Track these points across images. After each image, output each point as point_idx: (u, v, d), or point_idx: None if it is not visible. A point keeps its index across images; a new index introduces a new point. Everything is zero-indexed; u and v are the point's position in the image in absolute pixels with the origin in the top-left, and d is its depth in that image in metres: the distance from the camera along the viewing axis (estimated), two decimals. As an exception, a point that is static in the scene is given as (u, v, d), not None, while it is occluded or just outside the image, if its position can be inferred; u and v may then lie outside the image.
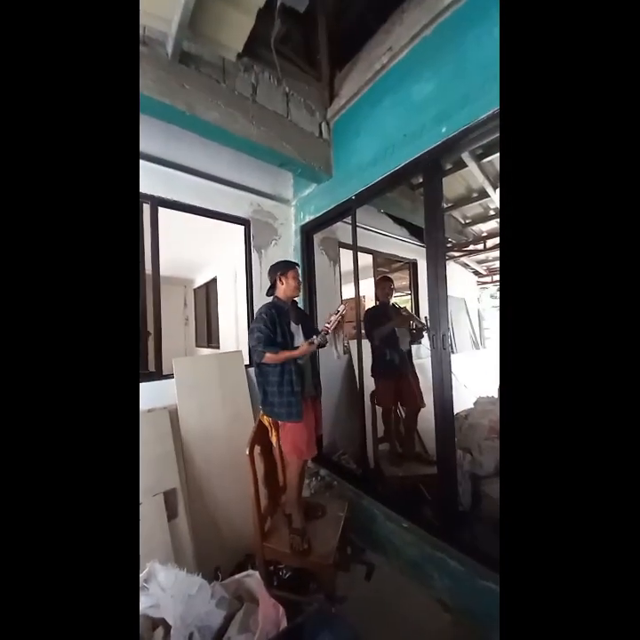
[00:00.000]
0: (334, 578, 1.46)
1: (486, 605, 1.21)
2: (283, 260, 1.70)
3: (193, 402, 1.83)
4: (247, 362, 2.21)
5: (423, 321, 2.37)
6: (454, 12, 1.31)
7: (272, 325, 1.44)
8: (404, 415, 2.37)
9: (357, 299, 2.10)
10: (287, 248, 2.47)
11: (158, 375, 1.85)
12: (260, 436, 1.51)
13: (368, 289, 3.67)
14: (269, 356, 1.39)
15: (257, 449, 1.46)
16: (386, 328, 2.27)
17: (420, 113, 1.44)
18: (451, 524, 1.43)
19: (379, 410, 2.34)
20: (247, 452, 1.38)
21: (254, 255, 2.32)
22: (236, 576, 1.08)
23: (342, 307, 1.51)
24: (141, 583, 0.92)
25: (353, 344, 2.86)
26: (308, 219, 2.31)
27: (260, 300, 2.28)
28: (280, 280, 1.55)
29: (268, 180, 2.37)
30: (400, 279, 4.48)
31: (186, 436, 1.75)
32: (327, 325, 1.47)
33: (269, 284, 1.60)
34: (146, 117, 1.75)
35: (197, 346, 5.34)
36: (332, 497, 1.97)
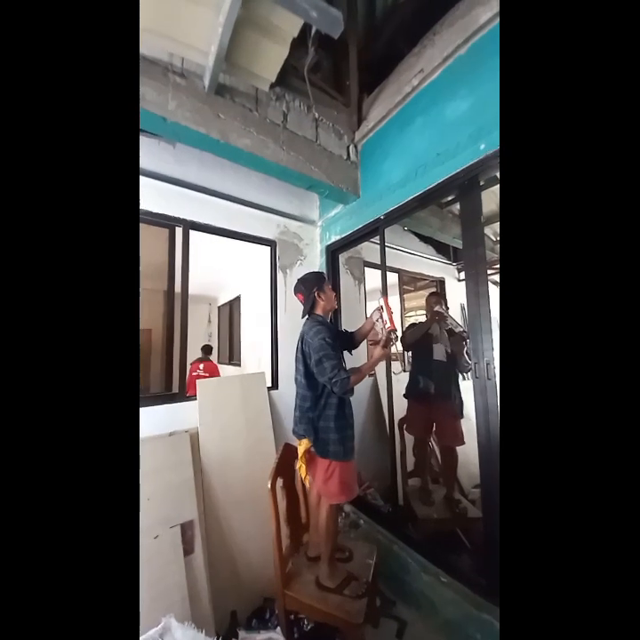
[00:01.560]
0: (363, 635, 1.28)
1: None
2: (312, 272, 1.52)
3: (215, 425, 1.77)
4: (269, 384, 2.15)
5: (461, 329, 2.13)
6: (488, 33, 1.28)
7: (334, 348, 1.26)
8: (437, 450, 2.16)
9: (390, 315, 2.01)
10: (312, 268, 2.45)
11: (181, 396, 1.83)
12: (284, 466, 1.41)
13: (393, 307, 3.58)
14: (354, 380, 1.21)
15: (279, 481, 1.35)
16: (418, 330, 2.12)
17: (455, 131, 1.40)
18: (495, 578, 1.23)
19: (409, 440, 2.16)
20: (269, 486, 1.27)
21: (279, 275, 2.31)
22: (259, 638, 0.95)
23: (381, 300, 1.40)
24: (156, 637, 0.83)
25: (381, 365, 2.74)
26: (333, 239, 2.30)
27: (285, 320, 2.26)
28: (319, 296, 1.40)
29: (295, 202, 2.41)
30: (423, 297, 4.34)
31: (206, 462, 1.68)
32: (387, 325, 1.35)
33: (305, 303, 1.42)
34: (181, 146, 1.84)
35: (219, 362, 5.39)
36: (359, 537, 1.79)
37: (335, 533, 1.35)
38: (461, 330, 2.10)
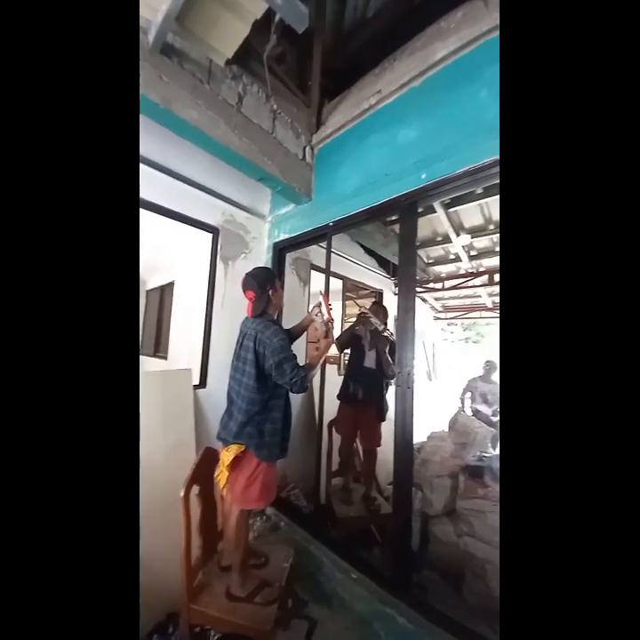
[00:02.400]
0: (273, 641, 1.27)
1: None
2: (263, 268, 1.44)
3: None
4: (196, 381, 1.99)
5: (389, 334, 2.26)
6: (442, 69, 1.41)
7: (291, 349, 1.24)
8: (361, 451, 2.28)
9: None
10: (257, 263, 2.36)
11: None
12: (202, 472, 1.31)
13: (335, 312, 3.70)
14: (309, 377, 1.21)
15: (195, 488, 1.25)
16: (347, 331, 2.21)
17: (403, 157, 1.50)
18: (401, 574, 1.35)
19: (336, 441, 2.24)
20: (182, 494, 1.17)
21: (220, 265, 2.17)
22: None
23: (321, 297, 1.45)
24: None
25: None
26: (282, 237, 2.26)
27: (222, 314, 2.12)
28: (272, 295, 1.33)
29: (246, 191, 2.29)
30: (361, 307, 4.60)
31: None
32: (325, 317, 1.39)
33: (257, 302, 1.31)
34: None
35: (143, 354, 4.80)
36: (278, 541, 1.78)
37: (246, 540, 1.31)
38: (388, 333, 2.24)
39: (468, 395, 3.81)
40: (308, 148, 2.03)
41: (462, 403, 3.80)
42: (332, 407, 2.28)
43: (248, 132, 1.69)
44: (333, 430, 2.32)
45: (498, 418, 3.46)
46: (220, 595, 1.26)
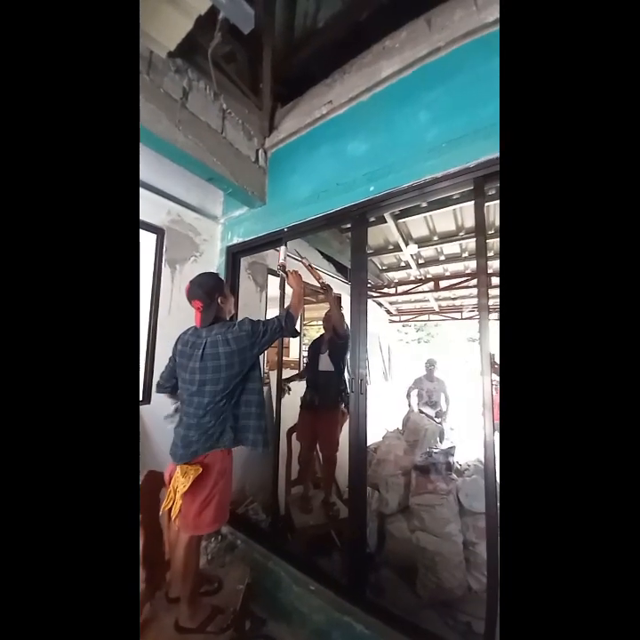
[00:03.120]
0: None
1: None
2: (209, 275, 1.33)
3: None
4: (139, 397, 1.81)
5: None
6: (388, 88, 1.48)
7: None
8: (321, 456, 2.27)
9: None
10: (209, 267, 2.24)
11: None
12: (143, 499, 1.18)
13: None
14: (293, 313, 1.32)
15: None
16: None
17: (354, 168, 1.54)
18: (358, 578, 1.36)
19: (296, 449, 2.20)
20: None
21: (166, 269, 2.01)
22: None
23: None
24: None
25: (272, 375, 2.72)
26: (236, 240, 2.17)
27: (167, 323, 1.96)
28: (221, 302, 1.27)
29: (196, 191, 2.16)
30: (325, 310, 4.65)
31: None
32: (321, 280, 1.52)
33: (206, 311, 1.24)
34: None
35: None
36: (234, 562, 1.68)
37: (196, 568, 1.22)
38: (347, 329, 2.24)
39: (415, 392, 4.04)
40: (260, 152, 1.99)
41: (408, 400, 4.02)
42: (292, 414, 2.25)
43: (195, 130, 1.59)
44: (293, 438, 2.29)
45: (440, 419, 3.73)
46: (169, 628, 1.16)
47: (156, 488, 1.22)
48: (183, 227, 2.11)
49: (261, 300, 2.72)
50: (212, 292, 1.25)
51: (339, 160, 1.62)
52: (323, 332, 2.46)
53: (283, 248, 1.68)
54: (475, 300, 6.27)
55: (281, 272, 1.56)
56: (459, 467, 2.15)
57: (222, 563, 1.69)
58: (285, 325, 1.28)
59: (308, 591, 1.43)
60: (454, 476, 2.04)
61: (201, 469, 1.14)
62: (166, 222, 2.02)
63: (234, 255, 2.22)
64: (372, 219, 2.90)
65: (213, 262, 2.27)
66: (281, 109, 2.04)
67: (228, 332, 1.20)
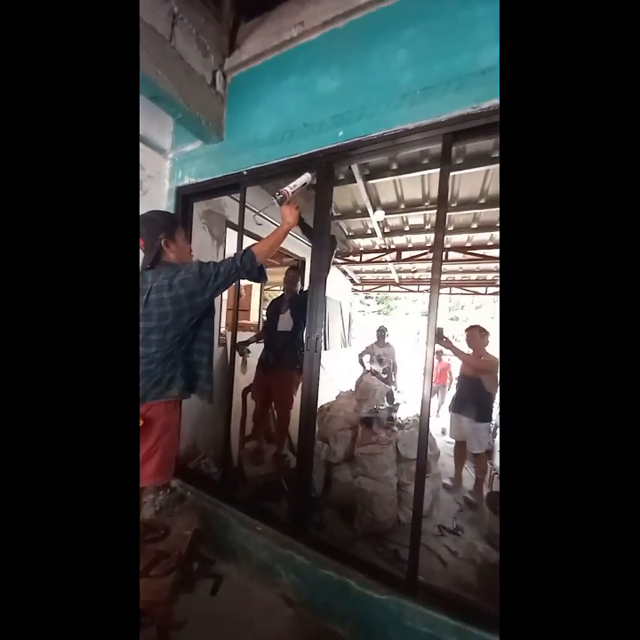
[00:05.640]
0: (170, 608, 1.26)
1: (325, 594, 1.31)
2: (159, 212, 1.21)
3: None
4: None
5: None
6: (366, 17, 1.31)
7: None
8: (276, 413, 2.33)
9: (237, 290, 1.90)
10: (154, 208, 1.97)
11: None
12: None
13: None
14: (258, 249, 1.10)
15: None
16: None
17: (323, 107, 1.40)
18: (301, 517, 1.48)
19: (252, 407, 2.22)
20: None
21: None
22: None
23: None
24: None
25: (228, 335, 2.63)
26: (187, 180, 1.91)
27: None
28: (166, 246, 1.12)
29: (140, 114, 1.81)
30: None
31: None
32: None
33: (145, 251, 1.12)
34: None
35: None
36: (183, 512, 1.71)
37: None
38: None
39: (367, 357, 4.37)
40: (218, 74, 1.70)
41: (362, 364, 4.29)
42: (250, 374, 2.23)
43: (131, 28, 1.28)
44: (248, 396, 2.30)
45: (388, 378, 4.10)
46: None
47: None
48: (122, 157, 1.79)
49: (218, 255, 2.52)
50: (154, 231, 1.10)
51: (307, 96, 1.45)
52: (282, 292, 2.41)
53: (306, 176, 1.25)
54: (428, 275, 6.59)
55: (278, 198, 1.19)
56: (400, 421, 2.37)
57: (171, 513, 1.72)
58: (242, 265, 1.08)
59: (254, 531, 1.53)
60: (396, 428, 2.25)
61: (142, 422, 1.09)
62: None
63: (185, 198, 1.97)
64: (342, 177, 2.77)
65: (160, 204, 2.00)
66: (245, 25, 1.74)
67: (176, 276, 1.08)
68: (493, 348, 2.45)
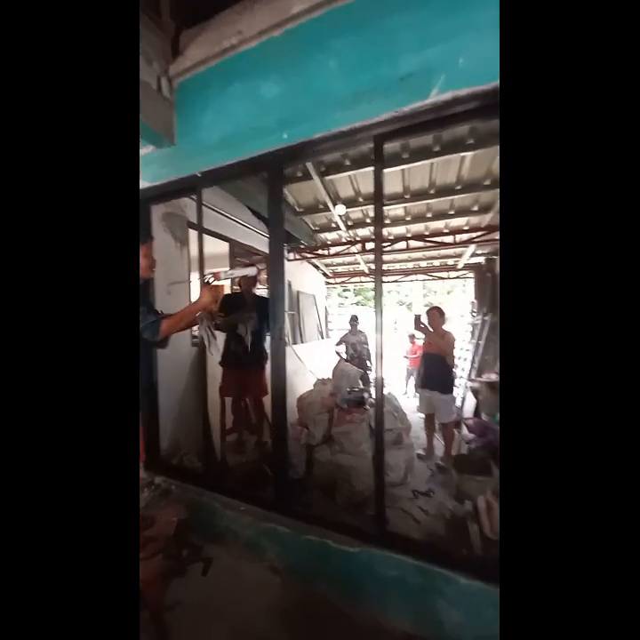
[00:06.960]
0: (161, 591, 1.34)
1: (307, 555, 1.44)
2: None
3: None
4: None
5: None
6: (299, 26, 1.40)
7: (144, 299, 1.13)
8: (251, 405, 2.43)
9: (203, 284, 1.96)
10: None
11: None
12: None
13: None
14: (166, 325, 1.15)
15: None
16: (236, 316, 2.23)
17: (267, 112, 1.49)
18: (283, 493, 1.60)
19: (228, 402, 2.30)
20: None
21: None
22: None
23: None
24: None
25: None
26: (143, 184, 1.94)
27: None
28: None
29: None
30: (262, 272, 4.60)
31: None
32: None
33: None
34: None
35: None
36: (168, 504, 1.78)
37: None
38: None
39: (342, 347, 4.65)
40: (164, 80, 1.74)
41: (338, 354, 4.51)
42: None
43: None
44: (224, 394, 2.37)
45: (359, 360, 4.32)
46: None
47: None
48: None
49: (183, 256, 2.54)
50: None
51: (252, 101, 1.54)
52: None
53: (250, 269, 1.41)
54: (398, 265, 6.85)
55: (207, 278, 1.30)
56: (373, 401, 2.54)
57: (157, 507, 1.77)
58: (143, 333, 1.12)
59: (239, 512, 1.63)
60: (368, 407, 2.42)
61: None
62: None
63: (142, 202, 2.00)
64: (299, 174, 2.86)
65: (118, 211, 2.01)
66: (186, 32, 1.78)
67: None
68: (449, 325, 2.71)
